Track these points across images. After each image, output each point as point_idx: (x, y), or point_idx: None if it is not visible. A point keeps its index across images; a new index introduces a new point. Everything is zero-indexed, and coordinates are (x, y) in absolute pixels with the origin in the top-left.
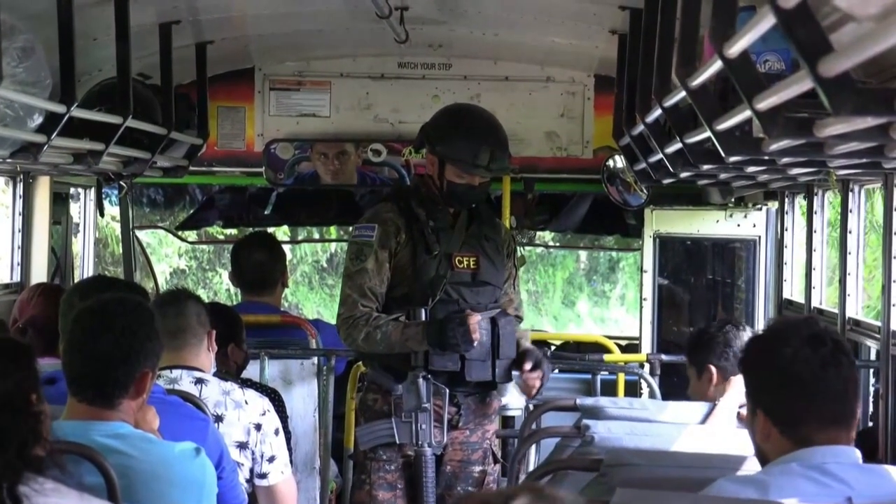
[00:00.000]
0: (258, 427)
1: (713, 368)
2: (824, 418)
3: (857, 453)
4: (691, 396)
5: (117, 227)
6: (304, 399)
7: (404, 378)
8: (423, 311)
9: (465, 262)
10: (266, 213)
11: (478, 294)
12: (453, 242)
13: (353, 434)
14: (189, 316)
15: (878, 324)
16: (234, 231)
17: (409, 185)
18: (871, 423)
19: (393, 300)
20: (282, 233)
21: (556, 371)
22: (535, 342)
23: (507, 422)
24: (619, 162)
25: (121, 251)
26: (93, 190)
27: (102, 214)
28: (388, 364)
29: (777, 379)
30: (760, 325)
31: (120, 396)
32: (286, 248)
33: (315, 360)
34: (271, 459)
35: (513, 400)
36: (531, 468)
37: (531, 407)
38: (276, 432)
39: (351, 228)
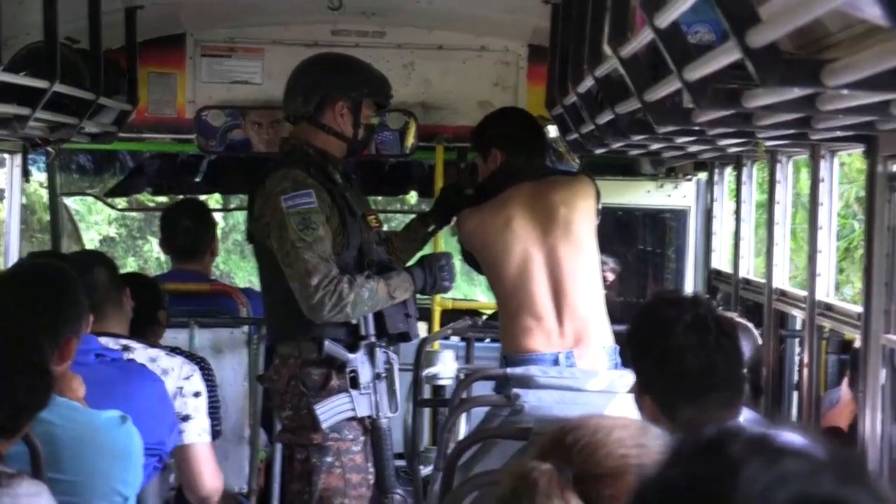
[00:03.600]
0: (180, 390)
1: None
2: (714, 405)
3: (740, 421)
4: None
5: (45, 194)
6: (233, 368)
7: (355, 349)
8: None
9: (373, 222)
10: (197, 180)
11: (383, 253)
12: (357, 202)
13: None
14: (102, 283)
15: (804, 293)
16: (164, 199)
17: (304, 151)
18: (795, 392)
19: None
20: (214, 201)
21: (488, 340)
22: (466, 311)
23: (437, 391)
24: (551, 132)
25: (48, 218)
26: (19, 156)
27: (28, 181)
28: (335, 335)
29: (664, 369)
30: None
31: None
32: (218, 216)
33: (245, 329)
34: (186, 418)
35: (443, 369)
36: (461, 437)
37: (461, 376)
38: (196, 395)
39: (282, 199)
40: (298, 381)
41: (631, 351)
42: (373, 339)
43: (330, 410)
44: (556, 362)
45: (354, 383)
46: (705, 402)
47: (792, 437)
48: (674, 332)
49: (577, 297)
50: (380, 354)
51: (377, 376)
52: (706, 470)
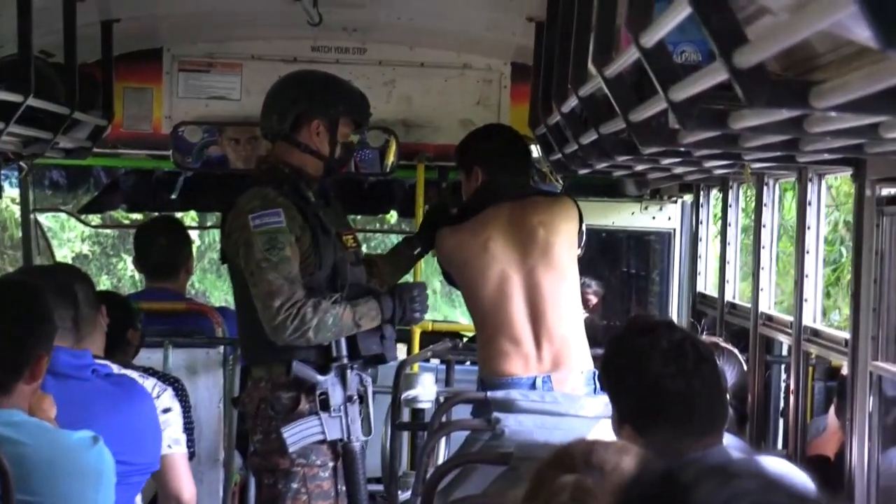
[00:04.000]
0: None
1: None
2: (695, 431)
3: (726, 447)
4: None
5: (17, 210)
6: (208, 389)
7: (326, 371)
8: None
9: (349, 240)
10: (173, 197)
11: (361, 274)
12: (333, 221)
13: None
14: (82, 299)
15: (790, 319)
16: (139, 216)
17: (279, 170)
18: (781, 419)
19: None
20: (189, 218)
21: (468, 363)
22: (447, 333)
23: (416, 414)
24: (534, 151)
25: (20, 235)
26: None
27: (0, 197)
28: (306, 357)
29: (643, 398)
30: (674, 320)
31: (14, 381)
32: (194, 234)
33: (221, 349)
34: None
35: (423, 392)
36: (440, 462)
37: (441, 399)
38: (166, 411)
39: (250, 218)
40: (268, 404)
41: (606, 381)
42: (345, 360)
43: (298, 433)
44: (533, 386)
45: (324, 406)
46: (686, 430)
47: (776, 465)
48: (650, 361)
49: (555, 321)
50: (352, 377)
51: (349, 399)
52: (661, 492)
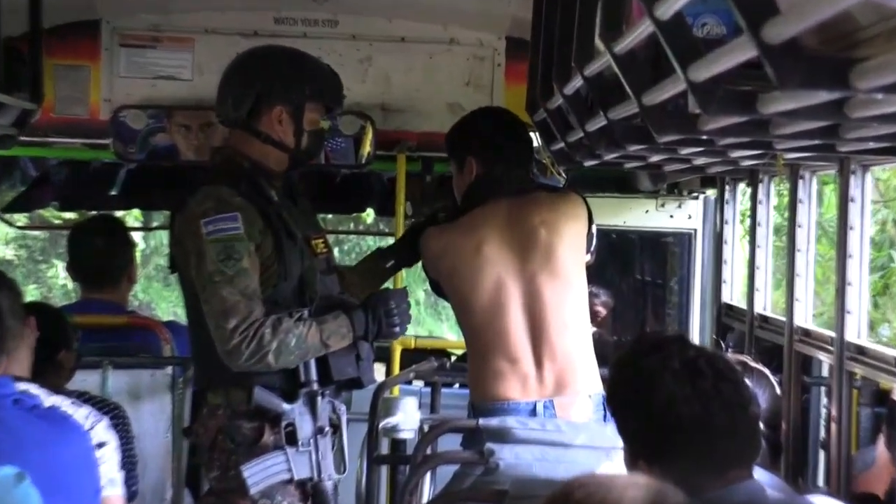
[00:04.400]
0: None
1: None
2: (717, 464)
3: (759, 482)
4: None
5: None
6: (154, 416)
7: (293, 398)
8: (306, 313)
9: (319, 245)
10: (113, 193)
11: (333, 284)
12: (301, 223)
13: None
14: (6, 311)
15: (831, 334)
16: (73, 215)
17: (236, 163)
18: (822, 451)
19: None
20: (132, 218)
21: (457, 386)
22: (432, 351)
23: (396, 445)
24: (533, 140)
25: None
26: None
27: None
28: (270, 382)
29: (656, 427)
30: (696, 335)
31: None
32: (137, 235)
33: (169, 370)
34: None
35: (404, 419)
36: (425, 500)
37: (426, 427)
38: (100, 445)
39: (202, 224)
40: (227, 435)
41: (612, 407)
42: (315, 386)
43: (261, 472)
44: (533, 413)
45: (291, 439)
46: (706, 462)
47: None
48: (660, 382)
49: (558, 336)
50: (323, 405)
51: (320, 431)
52: None
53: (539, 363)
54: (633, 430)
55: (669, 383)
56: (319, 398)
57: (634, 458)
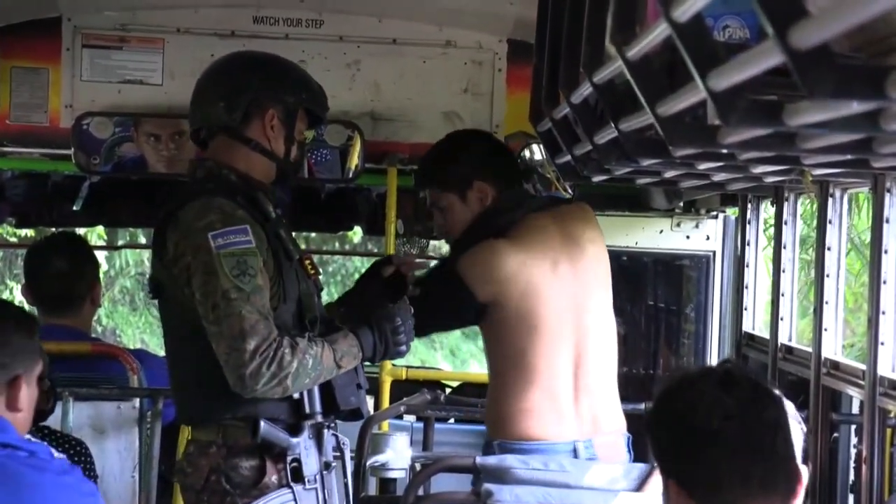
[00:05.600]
0: None
1: None
2: (750, 478)
3: None
4: None
5: None
6: (120, 453)
7: (297, 431)
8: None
9: (310, 268)
10: (75, 209)
11: (322, 307)
12: (294, 243)
13: None
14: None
15: (863, 367)
16: (30, 232)
17: (223, 176)
18: (851, 495)
19: None
20: (96, 236)
21: (452, 421)
22: (425, 383)
23: (385, 485)
24: (536, 153)
25: None
26: None
27: None
28: (273, 414)
29: (688, 437)
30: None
31: None
32: (100, 255)
33: (136, 402)
34: None
35: (394, 457)
36: None
37: (418, 466)
38: None
39: (210, 237)
40: (221, 475)
41: (649, 430)
42: (319, 417)
43: None
44: (574, 454)
45: (297, 476)
46: (741, 473)
47: None
48: (699, 392)
49: (597, 369)
50: (328, 437)
51: (326, 466)
52: None
53: (576, 397)
54: (667, 446)
55: (706, 391)
56: (325, 431)
57: (666, 480)
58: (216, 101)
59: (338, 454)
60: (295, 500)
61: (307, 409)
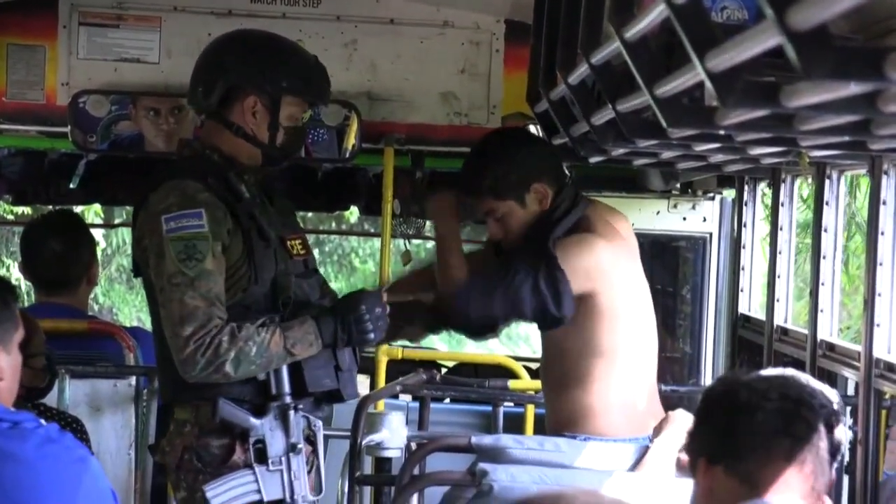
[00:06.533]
0: None
1: None
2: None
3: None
4: None
5: None
6: (116, 431)
7: (263, 412)
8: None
9: (296, 247)
10: (72, 187)
11: (312, 288)
12: (276, 222)
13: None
14: None
15: (858, 349)
16: (27, 210)
17: (206, 157)
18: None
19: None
20: (93, 214)
21: (448, 401)
22: (421, 363)
23: (381, 464)
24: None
25: None
26: None
27: None
28: (238, 395)
29: (733, 424)
30: (710, 348)
31: None
32: (97, 233)
33: (132, 380)
34: None
35: (389, 437)
36: None
37: (413, 446)
38: None
39: (162, 220)
40: (193, 453)
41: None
42: (287, 399)
43: (226, 492)
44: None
45: (261, 457)
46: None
47: None
48: (752, 390)
49: (650, 361)
50: (296, 419)
51: (293, 448)
52: None
53: (650, 395)
54: (704, 429)
55: (759, 391)
56: (292, 412)
57: (696, 457)
58: (196, 85)
59: (310, 436)
60: (256, 480)
61: (273, 391)
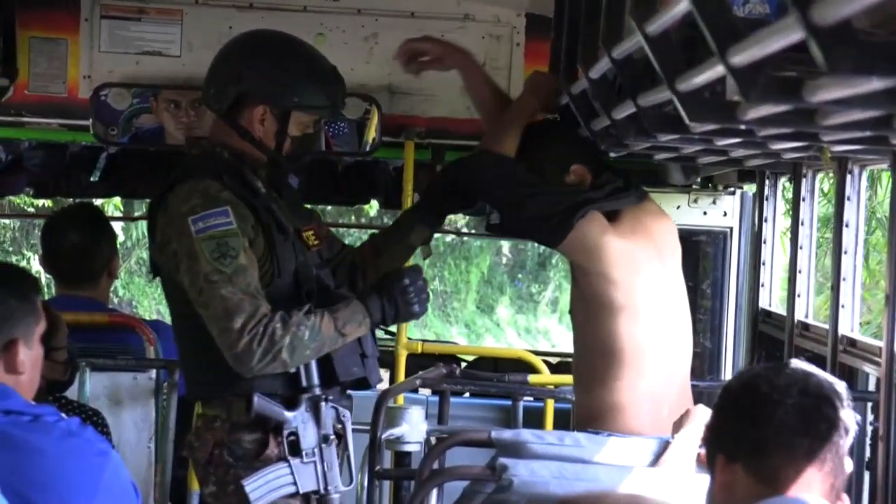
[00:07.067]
0: None
1: None
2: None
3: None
4: None
5: None
6: (136, 424)
7: (294, 404)
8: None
9: (311, 239)
10: (92, 179)
11: (328, 278)
12: (290, 215)
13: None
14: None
15: (880, 344)
16: (48, 202)
17: (217, 155)
18: (867, 472)
19: None
20: (113, 206)
21: (467, 395)
22: (440, 357)
23: (400, 459)
24: None
25: None
26: None
27: None
28: (269, 389)
29: (752, 420)
30: (730, 343)
31: None
32: (117, 226)
33: (152, 373)
34: None
35: (409, 431)
36: None
37: (433, 440)
38: None
39: (190, 222)
40: (225, 448)
41: (717, 410)
42: (317, 390)
43: (264, 486)
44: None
45: (295, 450)
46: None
47: None
48: (773, 385)
49: (681, 361)
50: (327, 411)
51: (325, 439)
52: None
53: (668, 391)
54: (722, 424)
55: (781, 385)
56: (323, 404)
57: (713, 453)
58: (209, 87)
59: (340, 427)
60: (292, 473)
61: (304, 383)
